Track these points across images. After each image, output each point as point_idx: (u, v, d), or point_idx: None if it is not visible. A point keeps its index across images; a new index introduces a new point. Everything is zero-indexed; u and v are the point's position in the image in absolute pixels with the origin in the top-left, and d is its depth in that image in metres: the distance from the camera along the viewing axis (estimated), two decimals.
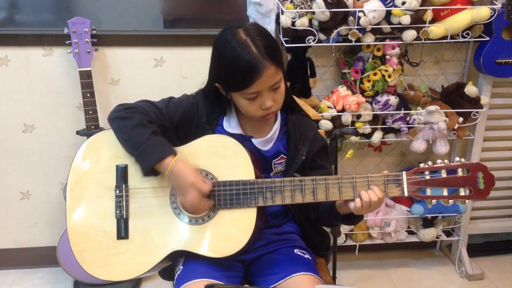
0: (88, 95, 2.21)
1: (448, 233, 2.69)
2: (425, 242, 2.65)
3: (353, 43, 2.17)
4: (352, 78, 2.28)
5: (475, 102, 2.34)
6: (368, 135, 2.35)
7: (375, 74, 2.22)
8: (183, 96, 1.55)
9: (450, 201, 1.33)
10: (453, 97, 2.37)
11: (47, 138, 2.43)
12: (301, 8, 2.08)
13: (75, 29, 2.17)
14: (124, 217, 1.43)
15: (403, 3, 2.08)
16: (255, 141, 1.51)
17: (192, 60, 2.37)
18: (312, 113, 1.73)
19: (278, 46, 1.43)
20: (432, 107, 2.29)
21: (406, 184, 1.33)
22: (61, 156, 2.45)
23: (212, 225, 1.41)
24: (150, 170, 1.39)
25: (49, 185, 2.51)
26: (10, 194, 2.51)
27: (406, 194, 1.34)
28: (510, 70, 2.31)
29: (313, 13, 2.08)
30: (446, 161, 1.34)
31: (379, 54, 2.24)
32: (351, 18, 2.10)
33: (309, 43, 2.11)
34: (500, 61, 2.29)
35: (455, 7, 2.16)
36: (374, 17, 2.10)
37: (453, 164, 1.32)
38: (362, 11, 2.08)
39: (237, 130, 1.50)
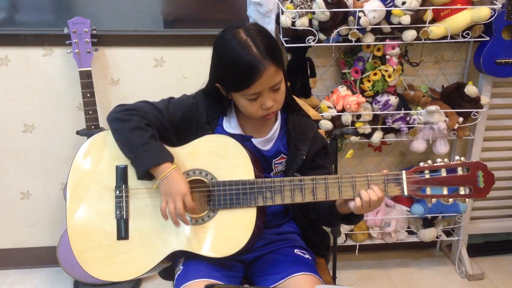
0: (88, 95, 2.21)
1: (448, 233, 2.69)
2: (425, 242, 2.65)
3: (353, 43, 2.17)
4: (352, 78, 2.28)
5: (475, 102, 2.34)
6: (368, 135, 2.35)
7: (375, 74, 2.22)
8: (183, 97, 1.55)
9: (450, 199, 1.33)
10: (453, 97, 2.37)
11: (47, 138, 2.43)
12: (301, 8, 2.08)
13: (75, 29, 2.17)
14: (124, 217, 1.43)
15: (403, 3, 2.08)
16: (255, 141, 1.51)
17: (192, 60, 2.37)
18: (312, 113, 1.73)
19: (278, 46, 1.43)
20: (432, 107, 2.29)
21: (406, 183, 1.33)
22: (61, 156, 2.45)
23: (212, 225, 1.41)
24: (145, 173, 1.39)
25: (49, 185, 2.51)
26: (10, 194, 2.51)
27: (406, 193, 1.33)
28: (510, 70, 2.31)
29: (313, 13, 2.08)
30: (446, 160, 1.33)
31: (379, 54, 2.24)
32: (351, 18, 2.10)
33: (309, 43, 2.11)
34: (500, 61, 2.29)
35: (455, 7, 2.16)
36: (374, 17, 2.10)
37: (453, 163, 1.32)
38: (362, 11, 2.08)
39: (237, 130, 1.50)
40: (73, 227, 1.43)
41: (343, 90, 2.30)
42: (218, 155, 1.43)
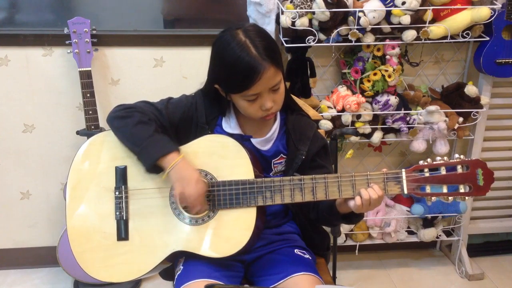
0: (88, 95, 2.21)
1: (448, 233, 2.69)
2: (425, 242, 2.65)
3: (353, 43, 2.17)
4: (352, 78, 2.28)
5: (475, 102, 2.34)
6: (368, 135, 2.35)
7: (375, 74, 2.22)
8: (182, 97, 1.55)
9: (450, 198, 1.32)
10: (453, 97, 2.37)
11: (47, 138, 2.43)
12: (301, 8, 2.08)
13: (75, 29, 2.17)
14: (124, 218, 1.43)
15: (403, 3, 2.08)
16: (254, 141, 1.50)
17: (192, 60, 2.37)
18: (312, 113, 1.73)
19: (277, 47, 1.42)
20: (432, 107, 2.29)
21: (406, 181, 1.33)
22: (61, 156, 2.45)
23: (212, 225, 1.41)
24: (153, 165, 1.39)
25: (49, 185, 2.51)
26: (10, 194, 2.51)
27: (405, 191, 1.33)
28: (510, 70, 2.31)
29: (313, 13, 2.08)
30: (445, 158, 1.33)
31: (379, 54, 2.24)
32: (351, 18, 2.10)
33: (309, 43, 2.11)
34: (500, 61, 2.29)
35: (455, 7, 2.16)
36: (374, 17, 2.10)
37: (453, 161, 1.32)
38: (362, 11, 2.08)
39: (237, 130, 1.50)
40: (73, 228, 1.43)
41: (343, 90, 2.30)
42: (218, 155, 1.43)
